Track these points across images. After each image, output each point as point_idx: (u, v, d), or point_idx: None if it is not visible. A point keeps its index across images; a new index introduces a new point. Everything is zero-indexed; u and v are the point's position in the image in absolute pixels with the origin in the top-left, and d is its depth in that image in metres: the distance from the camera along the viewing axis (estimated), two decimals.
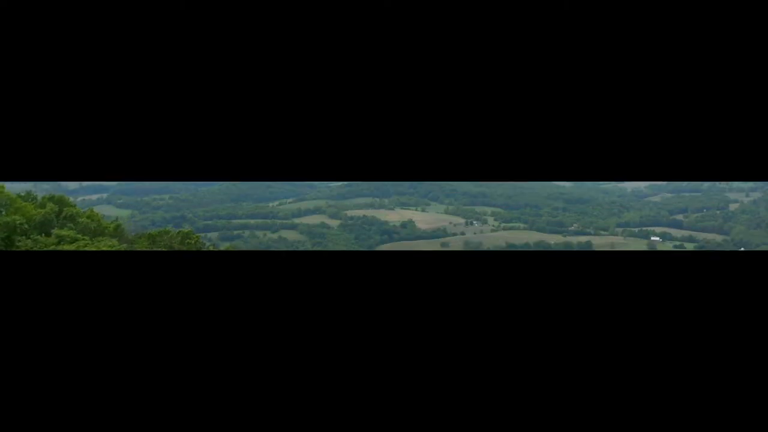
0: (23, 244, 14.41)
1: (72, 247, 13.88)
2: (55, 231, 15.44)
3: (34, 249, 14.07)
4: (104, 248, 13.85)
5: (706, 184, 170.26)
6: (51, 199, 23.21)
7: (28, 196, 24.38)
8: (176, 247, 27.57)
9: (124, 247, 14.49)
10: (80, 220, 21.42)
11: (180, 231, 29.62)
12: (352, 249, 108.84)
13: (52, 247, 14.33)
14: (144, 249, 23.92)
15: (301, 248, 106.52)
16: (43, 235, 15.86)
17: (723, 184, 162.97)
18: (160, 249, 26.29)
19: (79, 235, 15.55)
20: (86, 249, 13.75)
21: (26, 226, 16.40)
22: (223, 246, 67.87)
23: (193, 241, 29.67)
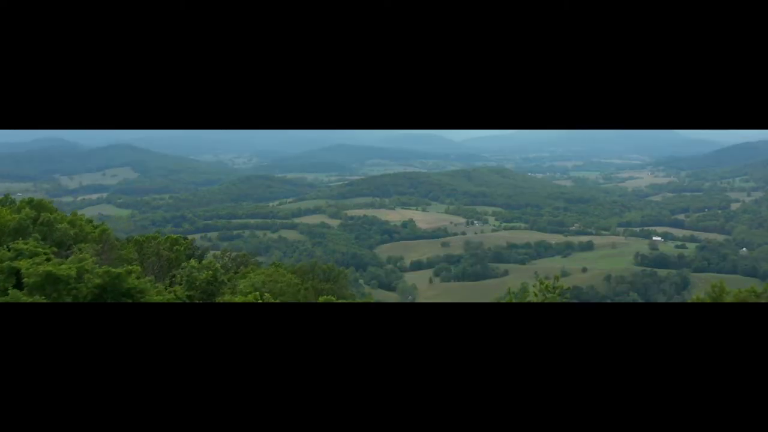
0: None
1: (27, 264, 12.71)
2: (13, 245, 14.18)
3: None
4: (67, 264, 12.64)
5: (707, 184, 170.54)
6: (29, 203, 21.78)
7: (6, 200, 23.09)
8: (164, 254, 26.32)
9: (94, 260, 13.26)
10: (59, 226, 20.22)
11: (168, 237, 28.29)
12: (352, 249, 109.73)
13: (7, 263, 13.19)
14: (130, 257, 22.81)
15: (301, 248, 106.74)
16: (4, 247, 14.64)
17: (724, 184, 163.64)
18: (147, 256, 25.19)
19: (41, 248, 14.23)
20: (45, 264, 12.62)
21: None
22: (223, 246, 66.87)
23: (182, 248, 28.33)
